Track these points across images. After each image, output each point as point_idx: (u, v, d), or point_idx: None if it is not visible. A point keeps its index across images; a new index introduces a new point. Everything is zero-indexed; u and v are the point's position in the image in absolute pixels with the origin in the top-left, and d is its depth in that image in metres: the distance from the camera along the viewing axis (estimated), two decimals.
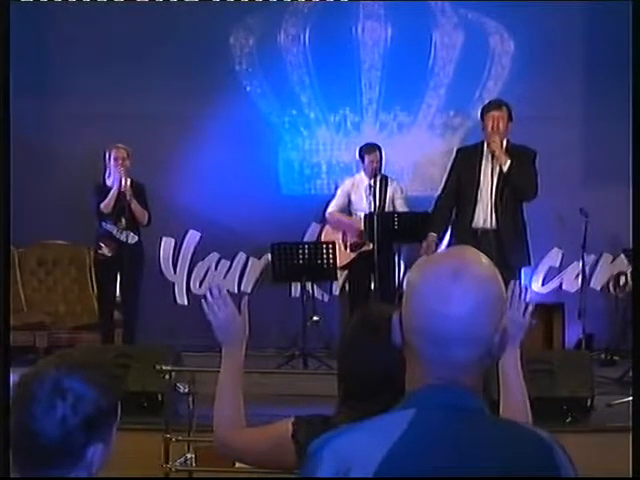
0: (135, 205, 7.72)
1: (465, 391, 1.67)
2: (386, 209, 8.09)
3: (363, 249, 8.12)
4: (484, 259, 1.71)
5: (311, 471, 1.64)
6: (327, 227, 8.52)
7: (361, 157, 8.25)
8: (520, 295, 2.61)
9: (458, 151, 7.32)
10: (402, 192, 8.35)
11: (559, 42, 8.87)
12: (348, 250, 8.23)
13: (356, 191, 8.29)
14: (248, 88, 9.22)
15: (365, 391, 2.34)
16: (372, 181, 8.05)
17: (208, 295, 2.56)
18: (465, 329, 1.64)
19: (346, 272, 8.47)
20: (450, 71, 9.07)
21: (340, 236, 8.27)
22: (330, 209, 8.42)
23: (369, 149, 8.22)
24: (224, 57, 9.18)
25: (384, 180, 8.19)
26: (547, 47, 8.82)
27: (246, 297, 2.65)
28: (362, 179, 8.24)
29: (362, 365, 2.36)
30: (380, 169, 8.16)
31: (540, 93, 8.76)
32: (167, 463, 5.24)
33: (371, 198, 7.95)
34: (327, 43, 9.13)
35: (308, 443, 2.35)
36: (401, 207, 8.18)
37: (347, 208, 8.37)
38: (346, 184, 8.44)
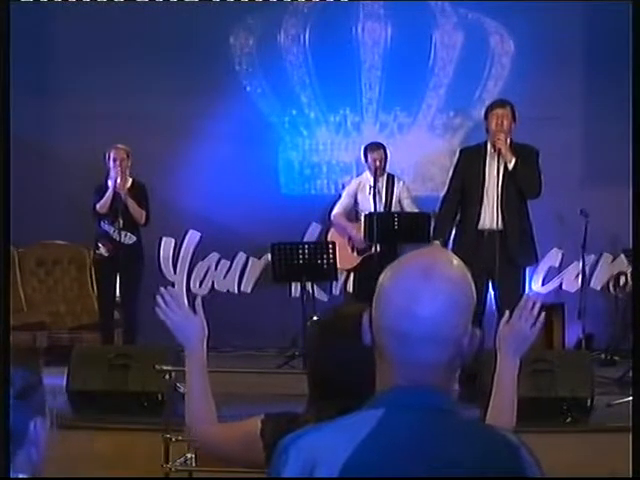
0: (133, 205, 7.71)
1: (434, 392, 1.67)
2: (393, 209, 8.06)
3: (370, 252, 8.08)
4: (455, 260, 1.71)
5: (278, 469, 1.64)
6: (333, 229, 8.47)
7: (365, 156, 8.23)
8: (532, 309, 2.62)
9: (461, 151, 7.29)
10: (409, 192, 8.32)
11: (559, 42, 8.87)
12: (355, 253, 8.20)
13: (362, 191, 8.24)
14: (248, 88, 9.22)
15: (332, 390, 2.34)
16: (377, 181, 8.04)
17: (160, 300, 2.58)
18: (434, 329, 1.64)
19: (352, 274, 8.45)
20: (450, 71, 9.06)
21: (346, 239, 8.24)
22: (335, 210, 8.38)
23: (372, 147, 8.20)
24: (224, 57, 9.18)
25: (390, 180, 8.17)
26: (547, 47, 8.82)
27: (199, 297, 2.67)
28: (368, 179, 8.18)
29: (329, 364, 2.37)
30: (385, 168, 8.14)
31: (540, 93, 8.76)
32: (167, 463, 5.24)
33: (376, 198, 7.92)
34: (327, 43, 9.13)
35: (274, 441, 2.36)
36: (409, 207, 8.14)
37: (353, 209, 8.33)
38: (352, 185, 8.41)
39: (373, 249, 8.00)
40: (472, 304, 1.69)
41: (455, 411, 1.68)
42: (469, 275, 1.70)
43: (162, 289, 2.61)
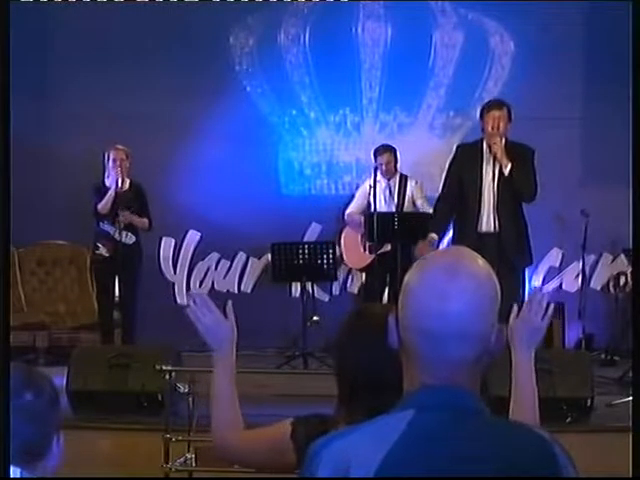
0: (135, 218, 7.73)
1: (463, 391, 1.67)
2: (405, 209, 8.09)
3: (381, 250, 8.09)
4: (480, 259, 1.72)
5: (310, 473, 1.64)
6: (347, 228, 8.49)
7: (375, 158, 8.26)
8: (541, 300, 2.62)
9: (458, 148, 7.28)
10: (422, 191, 8.33)
11: (559, 42, 8.87)
12: (366, 252, 8.21)
13: (374, 192, 8.27)
14: (248, 88, 9.22)
15: (363, 391, 2.33)
16: (390, 182, 8.10)
17: (191, 303, 2.58)
18: (461, 327, 1.64)
19: (364, 274, 8.47)
20: (450, 71, 9.06)
21: (359, 237, 8.25)
22: (349, 210, 8.42)
23: (380, 150, 8.24)
24: (224, 57, 9.18)
25: (403, 180, 8.19)
26: (547, 47, 8.82)
27: (230, 301, 2.66)
28: (380, 180, 8.23)
29: (359, 364, 2.36)
30: (395, 170, 8.19)
31: (540, 93, 8.76)
32: (167, 463, 5.24)
33: (389, 198, 7.96)
34: (327, 43, 9.13)
35: (307, 443, 2.35)
36: (422, 206, 8.15)
37: (367, 209, 8.34)
38: (365, 185, 8.41)
39: (384, 249, 8.01)
40: (498, 301, 1.71)
41: (485, 410, 1.68)
42: (494, 274, 1.71)
43: (193, 292, 2.61)
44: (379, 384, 2.30)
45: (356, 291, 9.02)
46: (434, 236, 6.87)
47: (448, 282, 1.65)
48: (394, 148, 8.27)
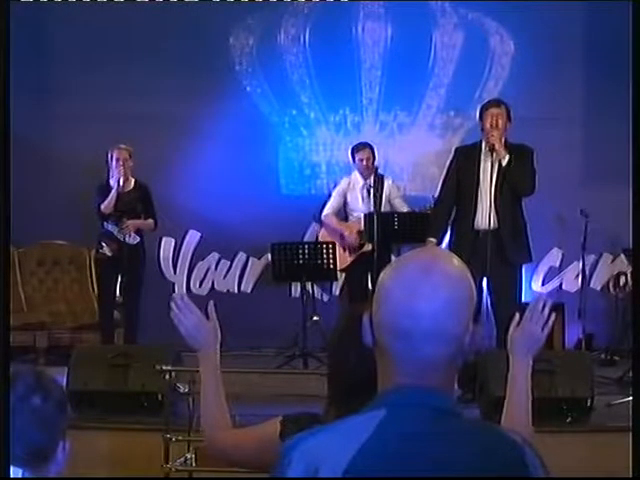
0: (140, 223, 7.74)
1: (435, 391, 1.66)
2: (383, 209, 8.06)
3: (362, 251, 8.10)
4: (455, 258, 1.71)
5: (281, 471, 1.64)
6: (323, 230, 8.48)
7: (352, 157, 8.25)
8: (543, 309, 2.62)
9: (456, 150, 7.29)
10: (399, 190, 8.34)
11: (559, 42, 8.87)
12: (347, 253, 8.20)
13: (352, 191, 8.26)
14: (248, 88, 9.22)
15: (352, 390, 2.34)
16: (367, 181, 8.05)
17: (173, 305, 2.59)
18: (435, 326, 1.63)
19: (344, 274, 8.45)
20: (450, 71, 9.06)
21: (338, 239, 8.23)
22: (326, 211, 8.37)
23: (359, 147, 8.22)
24: (224, 57, 9.18)
25: (379, 179, 8.14)
26: (547, 47, 8.82)
27: (212, 302, 2.67)
28: (357, 179, 8.22)
29: (348, 364, 2.37)
30: (373, 167, 8.10)
31: (540, 93, 8.76)
32: (167, 463, 5.24)
33: (367, 198, 7.95)
34: (327, 43, 9.13)
35: None
36: (400, 206, 8.15)
37: (343, 209, 8.34)
38: (342, 184, 8.41)
39: (365, 249, 8.02)
40: (473, 301, 1.69)
41: (457, 411, 1.68)
42: (469, 273, 1.70)
43: (175, 295, 2.63)
44: (369, 385, 2.31)
45: (337, 292, 9.00)
46: (432, 240, 6.84)
47: (422, 280, 1.64)
48: (372, 145, 8.25)
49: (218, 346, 2.62)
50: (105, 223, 7.76)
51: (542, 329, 2.61)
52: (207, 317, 2.63)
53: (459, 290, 1.66)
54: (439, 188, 7.12)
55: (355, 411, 2.28)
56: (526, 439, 1.68)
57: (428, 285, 1.63)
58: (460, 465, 1.59)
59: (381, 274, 1.71)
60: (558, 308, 8.45)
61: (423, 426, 1.62)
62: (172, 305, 2.61)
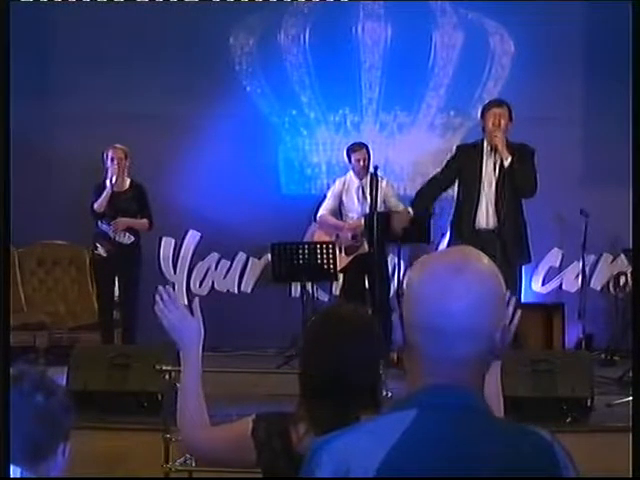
0: (132, 222, 7.73)
1: (466, 390, 1.66)
2: (379, 209, 8.05)
3: (358, 252, 8.09)
4: (485, 258, 1.72)
5: (310, 472, 1.63)
6: (318, 231, 8.47)
7: (348, 157, 8.24)
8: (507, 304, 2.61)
9: (458, 148, 7.31)
10: (394, 189, 8.33)
11: (559, 42, 8.87)
12: (343, 254, 8.20)
13: (347, 192, 8.26)
14: (248, 88, 9.22)
15: (325, 391, 2.35)
16: (362, 181, 8.06)
17: (158, 298, 2.57)
18: (466, 324, 1.64)
19: (341, 275, 8.44)
20: (450, 71, 9.06)
21: (334, 239, 8.22)
22: (321, 212, 8.36)
23: (355, 147, 8.23)
24: (224, 57, 9.18)
25: (374, 179, 8.13)
26: (547, 47, 8.82)
27: (197, 298, 2.66)
28: (352, 180, 8.23)
29: (321, 364, 2.38)
30: (369, 167, 8.10)
31: (540, 93, 8.76)
32: (167, 463, 5.24)
33: (362, 198, 7.95)
34: (327, 43, 9.13)
35: (267, 440, 2.37)
36: (395, 205, 8.14)
37: (338, 210, 8.34)
38: (336, 186, 8.40)
39: (362, 249, 8.02)
40: (504, 299, 1.71)
41: (487, 410, 1.68)
42: (499, 272, 1.71)
43: (160, 288, 2.60)
44: (342, 384, 2.33)
45: (337, 293, 8.99)
46: (410, 210, 7.10)
47: (453, 279, 1.64)
48: (367, 145, 8.26)
49: (201, 344, 2.59)
50: (99, 223, 7.75)
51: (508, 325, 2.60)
52: (192, 314, 2.61)
53: (490, 288, 1.67)
54: (439, 170, 7.17)
55: (328, 409, 2.30)
56: (554, 436, 1.68)
57: (460, 284, 1.64)
58: (492, 465, 1.59)
59: (408, 274, 1.71)
60: (558, 308, 8.47)
61: (454, 426, 1.62)
62: (157, 298, 2.57)
